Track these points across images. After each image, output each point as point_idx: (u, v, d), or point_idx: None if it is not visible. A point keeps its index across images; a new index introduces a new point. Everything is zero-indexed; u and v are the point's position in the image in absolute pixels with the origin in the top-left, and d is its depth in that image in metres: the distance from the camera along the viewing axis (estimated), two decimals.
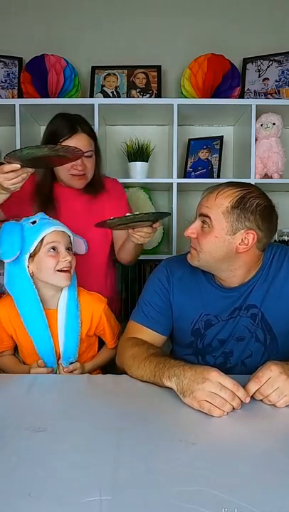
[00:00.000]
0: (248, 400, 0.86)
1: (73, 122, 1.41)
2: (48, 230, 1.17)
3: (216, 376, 0.87)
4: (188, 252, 1.15)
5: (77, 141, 1.36)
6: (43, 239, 1.16)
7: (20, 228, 1.18)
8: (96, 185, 1.49)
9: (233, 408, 0.85)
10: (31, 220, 1.20)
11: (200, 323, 1.17)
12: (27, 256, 1.16)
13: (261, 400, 0.90)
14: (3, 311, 1.22)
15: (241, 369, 1.15)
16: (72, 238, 1.23)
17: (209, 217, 1.06)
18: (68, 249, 1.20)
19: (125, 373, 1.09)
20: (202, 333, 1.18)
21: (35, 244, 1.16)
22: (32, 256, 1.17)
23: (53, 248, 1.16)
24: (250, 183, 1.16)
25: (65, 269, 1.17)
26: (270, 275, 1.14)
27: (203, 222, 1.08)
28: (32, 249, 1.16)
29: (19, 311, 1.18)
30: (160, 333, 1.19)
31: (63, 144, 1.32)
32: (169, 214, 1.33)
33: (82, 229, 1.34)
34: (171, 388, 0.93)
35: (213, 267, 1.12)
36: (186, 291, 1.19)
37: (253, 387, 0.88)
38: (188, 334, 1.19)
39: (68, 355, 1.22)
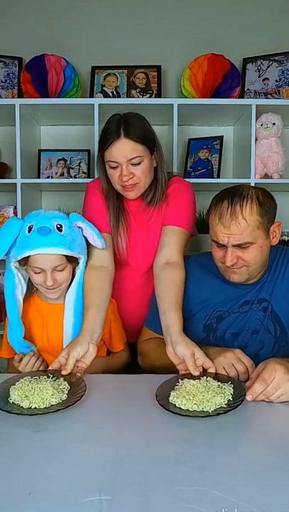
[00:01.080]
0: (249, 398, 0.89)
1: (118, 126, 1.25)
2: (32, 252, 1.11)
3: (238, 352, 1.04)
4: (228, 272, 1.13)
5: (118, 149, 1.22)
6: (29, 257, 1.12)
7: (19, 230, 1.14)
8: (154, 195, 1.32)
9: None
10: (30, 224, 1.13)
11: (212, 319, 1.20)
12: (14, 260, 1.15)
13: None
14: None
15: (256, 361, 1.15)
16: (71, 252, 1.15)
17: (248, 242, 1.07)
18: (61, 268, 1.14)
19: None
20: (214, 328, 1.20)
21: (21, 257, 1.13)
22: (21, 263, 1.16)
23: (38, 271, 1.13)
24: (236, 186, 1.14)
25: (49, 288, 1.14)
26: (277, 272, 1.19)
27: (239, 245, 1.07)
28: (20, 259, 1.14)
29: (7, 307, 1.20)
30: None
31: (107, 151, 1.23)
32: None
33: (142, 246, 1.33)
34: None
35: (259, 272, 1.16)
36: (197, 290, 1.22)
37: (258, 389, 0.89)
38: (200, 331, 1.21)
39: None
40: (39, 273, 1.14)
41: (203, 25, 2.16)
